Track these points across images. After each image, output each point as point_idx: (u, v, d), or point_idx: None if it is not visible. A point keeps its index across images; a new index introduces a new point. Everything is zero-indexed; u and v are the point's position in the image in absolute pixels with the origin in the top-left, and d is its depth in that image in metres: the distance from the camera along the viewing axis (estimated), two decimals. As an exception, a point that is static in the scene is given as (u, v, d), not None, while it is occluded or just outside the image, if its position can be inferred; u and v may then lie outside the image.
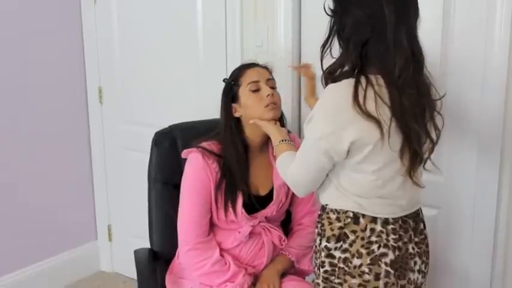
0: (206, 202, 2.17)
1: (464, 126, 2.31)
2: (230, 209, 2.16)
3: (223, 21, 2.90)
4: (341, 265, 1.76)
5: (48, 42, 3.40)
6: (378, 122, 1.62)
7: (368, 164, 1.69)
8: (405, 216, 1.79)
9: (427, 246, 1.89)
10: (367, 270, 1.73)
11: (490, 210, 2.32)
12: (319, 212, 1.87)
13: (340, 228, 1.76)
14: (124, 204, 3.67)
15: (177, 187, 2.25)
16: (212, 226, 2.23)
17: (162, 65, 3.28)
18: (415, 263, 1.81)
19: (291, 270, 2.32)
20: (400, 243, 1.75)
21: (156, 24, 3.25)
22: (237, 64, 2.40)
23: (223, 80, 2.25)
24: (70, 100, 3.58)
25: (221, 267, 2.16)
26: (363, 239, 1.74)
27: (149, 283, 2.35)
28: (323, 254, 1.79)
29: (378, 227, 1.74)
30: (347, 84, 1.66)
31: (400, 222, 1.77)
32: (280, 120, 2.22)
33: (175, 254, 2.33)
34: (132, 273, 2.41)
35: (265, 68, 2.26)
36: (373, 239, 1.73)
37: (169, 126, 2.46)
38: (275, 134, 2.07)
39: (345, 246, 1.75)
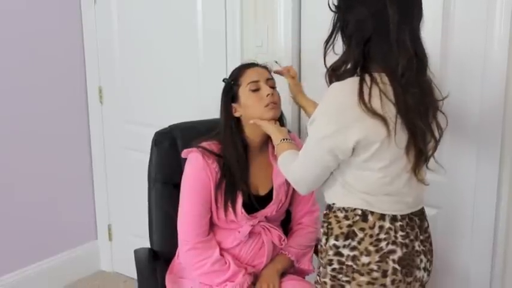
0: (206, 202, 2.18)
1: (463, 125, 2.32)
2: (230, 209, 2.17)
3: (223, 21, 2.91)
4: (349, 263, 1.75)
5: (48, 42, 3.41)
6: (384, 120, 1.63)
7: (375, 161, 1.69)
8: (411, 213, 1.80)
9: (431, 244, 1.90)
10: (375, 267, 1.73)
11: (490, 210, 2.32)
12: (325, 212, 1.86)
13: (349, 226, 1.76)
14: (124, 204, 3.68)
15: (177, 187, 2.25)
16: (212, 226, 2.24)
17: (162, 64, 3.28)
18: (421, 260, 1.82)
19: (291, 269, 2.33)
20: (407, 241, 1.76)
21: (156, 24, 3.26)
22: (237, 64, 2.40)
23: (223, 80, 2.26)
24: (70, 100, 3.59)
25: (221, 266, 2.17)
26: (371, 236, 1.74)
27: (149, 283, 2.35)
28: (331, 252, 1.79)
29: (387, 224, 1.74)
30: (351, 82, 1.66)
31: (407, 219, 1.78)
32: (280, 119, 2.22)
33: (175, 253, 2.33)
34: (132, 272, 2.41)
35: (265, 67, 2.27)
36: (382, 236, 1.73)
37: (169, 126, 2.47)
38: (275, 133, 2.07)
39: (354, 244, 1.75)
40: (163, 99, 3.31)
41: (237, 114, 2.20)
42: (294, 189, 1.94)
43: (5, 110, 3.23)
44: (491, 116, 2.25)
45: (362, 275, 1.74)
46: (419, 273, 1.82)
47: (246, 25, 2.82)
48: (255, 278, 2.23)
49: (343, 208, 1.78)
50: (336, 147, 1.68)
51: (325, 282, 1.82)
